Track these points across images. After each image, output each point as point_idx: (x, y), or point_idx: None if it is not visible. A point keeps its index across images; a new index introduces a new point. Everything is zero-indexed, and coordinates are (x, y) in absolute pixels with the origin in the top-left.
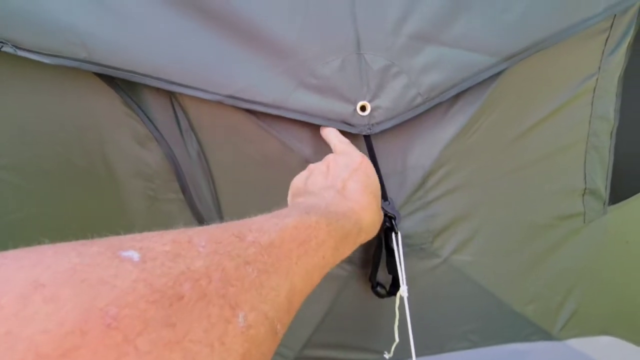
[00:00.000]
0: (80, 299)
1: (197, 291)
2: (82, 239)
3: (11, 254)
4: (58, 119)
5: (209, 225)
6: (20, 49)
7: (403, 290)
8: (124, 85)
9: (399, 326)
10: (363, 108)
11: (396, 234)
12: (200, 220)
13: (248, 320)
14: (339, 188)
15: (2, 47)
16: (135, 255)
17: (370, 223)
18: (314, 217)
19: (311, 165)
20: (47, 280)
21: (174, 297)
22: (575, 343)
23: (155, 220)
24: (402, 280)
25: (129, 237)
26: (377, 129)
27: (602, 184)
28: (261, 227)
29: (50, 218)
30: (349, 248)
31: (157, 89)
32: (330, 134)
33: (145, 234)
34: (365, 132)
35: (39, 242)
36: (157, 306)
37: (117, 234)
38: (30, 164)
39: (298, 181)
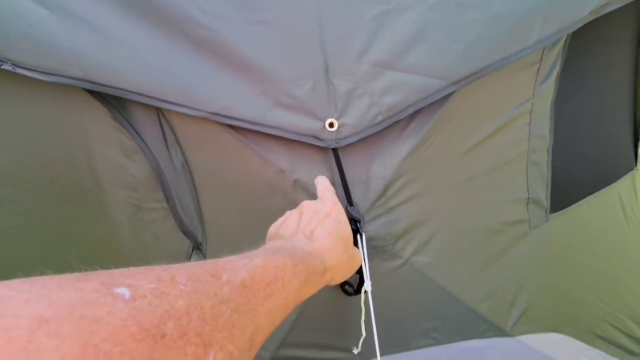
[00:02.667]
0: (78, 336)
1: (178, 330)
2: (64, 247)
3: (18, 286)
4: (47, 132)
5: (188, 264)
6: (19, 67)
7: (367, 285)
8: (113, 101)
9: (365, 321)
10: (331, 125)
11: (361, 235)
12: (183, 228)
13: (216, 359)
14: (307, 234)
15: (1, 65)
16: (126, 293)
17: (335, 264)
18: (281, 258)
19: (287, 213)
20: (51, 317)
21: (158, 335)
22: (527, 339)
23: (138, 228)
24: (367, 276)
25: (118, 272)
26: (344, 143)
27: (543, 194)
28: (233, 266)
29: (35, 228)
30: (314, 288)
31: (146, 105)
32: (320, 182)
33: (133, 271)
34: (334, 145)
35: (42, 273)
36: (143, 345)
37: (102, 241)
38: (16, 175)
39: (274, 228)
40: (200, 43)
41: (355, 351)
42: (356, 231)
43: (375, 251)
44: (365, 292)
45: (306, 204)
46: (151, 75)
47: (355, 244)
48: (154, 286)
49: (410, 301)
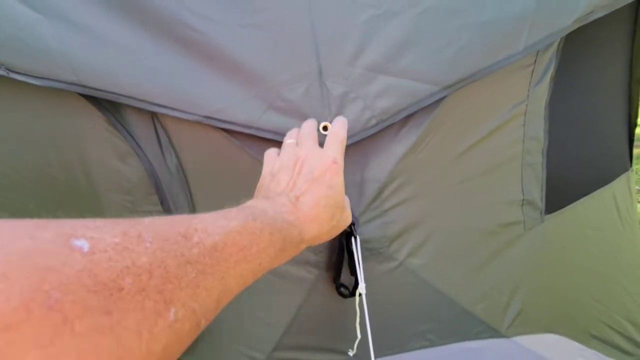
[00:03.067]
0: (28, 280)
1: (137, 285)
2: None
3: None
4: (41, 135)
5: (158, 218)
6: (12, 71)
7: (361, 288)
8: (107, 105)
9: (360, 323)
10: (325, 128)
11: (355, 238)
12: None
13: (178, 316)
14: (292, 199)
15: None
16: (85, 245)
17: (314, 235)
18: (259, 225)
19: (285, 155)
20: (1, 261)
21: (115, 288)
22: (522, 340)
23: None
24: (361, 278)
25: (81, 223)
26: None
27: (538, 195)
28: (206, 228)
29: None
30: (287, 257)
31: (139, 109)
32: (333, 129)
33: (98, 222)
34: None
35: None
36: (98, 296)
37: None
38: (8, 178)
39: (267, 174)
40: (191, 46)
41: (350, 353)
42: (350, 234)
43: (370, 253)
44: (360, 294)
45: (306, 157)
46: (143, 78)
47: (349, 245)
48: (117, 240)
49: (405, 303)
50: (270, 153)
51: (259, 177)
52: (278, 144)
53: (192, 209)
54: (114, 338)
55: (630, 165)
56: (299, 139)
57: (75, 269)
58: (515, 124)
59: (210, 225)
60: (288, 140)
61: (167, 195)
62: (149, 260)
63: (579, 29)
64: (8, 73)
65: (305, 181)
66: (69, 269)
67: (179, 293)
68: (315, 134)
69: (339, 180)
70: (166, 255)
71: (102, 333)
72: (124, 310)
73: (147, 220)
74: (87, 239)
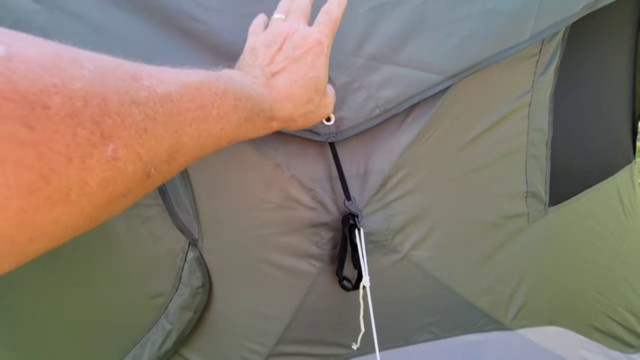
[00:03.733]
0: None
1: (68, 108)
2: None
3: None
4: None
5: (102, 56)
6: None
7: (365, 281)
8: None
9: (364, 316)
10: (328, 119)
11: (359, 230)
12: (178, 224)
13: (117, 154)
14: (268, 74)
15: None
16: (1, 49)
17: (287, 115)
18: (222, 87)
19: (269, 30)
20: None
21: (38, 103)
22: (526, 333)
23: (133, 224)
24: (365, 271)
25: (4, 31)
26: (341, 137)
27: (542, 187)
28: (161, 76)
29: None
30: (256, 131)
31: None
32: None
33: (26, 35)
34: (330, 139)
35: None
36: (16, 105)
37: (95, 239)
38: None
39: (248, 47)
40: (193, 36)
41: (354, 346)
42: (354, 226)
43: (374, 246)
44: (364, 287)
45: (290, 33)
46: None
47: (352, 237)
48: (45, 57)
49: (408, 296)
50: (255, 27)
51: (261, 169)
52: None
53: (193, 202)
54: (36, 154)
55: (634, 157)
56: (289, 13)
57: None
58: (520, 115)
59: (166, 75)
60: (276, 15)
61: (168, 188)
62: (83, 87)
63: (583, 18)
64: None
65: (284, 58)
66: None
67: (120, 132)
68: (308, 10)
69: (321, 62)
70: (106, 89)
71: (21, 146)
72: (50, 131)
73: (89, 52)
74: (5, 44)
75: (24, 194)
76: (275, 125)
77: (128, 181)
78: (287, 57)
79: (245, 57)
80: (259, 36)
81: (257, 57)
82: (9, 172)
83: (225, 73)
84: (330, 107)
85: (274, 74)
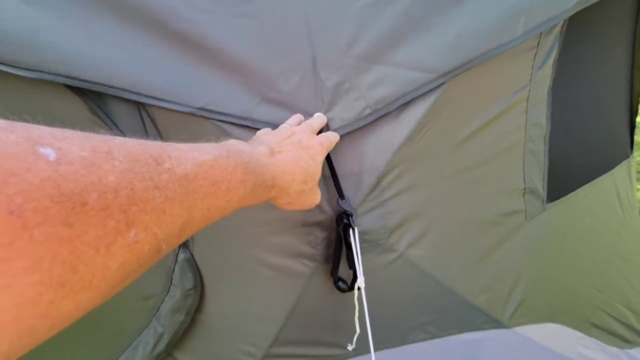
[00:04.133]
0: None
1: (102, 202)
2: None
3: None
4: None
5: (132, 141)
6: (0, 63)
7: (360, 282)
8: (91, 94)
9: (359, 317)
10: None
11: (353, 229)
12: None
13: (138, 237)
14: (274, 150)
15: None
16: (52, 154)
17: (286, 187)
18: (232, 163)
19: (286, 126)
20: None
21: (79, 202)
22: (524, 330)
23: None
24: (359, 272)
25: (49, 131)
26: None
27: (539, 184)
28: (179, 157)
29: None
30: (257, 200)
31: (125, 98)
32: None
33: (67, 133)
34: None
35: None
36: (60, 207)
37: None
38: None
39: (259, 132)
40: (184, 37)
41: (350, 347)
42: (348, 225)
43: (369, 245)
44: (359, 288)
45: (299, 132)
46: (134, 70)
47: (347, 237)
48: (85, 155)
49: (405, 295)
50: (264, 130)
51: None
52: None
53: None
54: (71, 249)
55: (631, 152)
56: (299, 125)
57: (39, 177)
58: (518, 110)
59: (183, 155)
60: (285, 125)
61: None
62: (116, 180)
63: (581, 11)
64: None
65: (290, 143)
66: (33, 176)
67: (142, 216)
68: (316, 129)
69: (320, 159)
70: (134, 177)
71: (60, 243)
72: (86, 225)
73: (119, 139)
74: (54, 148)
75: (54, 287)
76: (274, 193)
77: (143, 260)
78: (293, 143)
79: (253, 138)
80: (268, 131)
81: (265, 137)
82: (45, 269)
83: (234, 145)
84: (318, 199)
85: (279, 152)
